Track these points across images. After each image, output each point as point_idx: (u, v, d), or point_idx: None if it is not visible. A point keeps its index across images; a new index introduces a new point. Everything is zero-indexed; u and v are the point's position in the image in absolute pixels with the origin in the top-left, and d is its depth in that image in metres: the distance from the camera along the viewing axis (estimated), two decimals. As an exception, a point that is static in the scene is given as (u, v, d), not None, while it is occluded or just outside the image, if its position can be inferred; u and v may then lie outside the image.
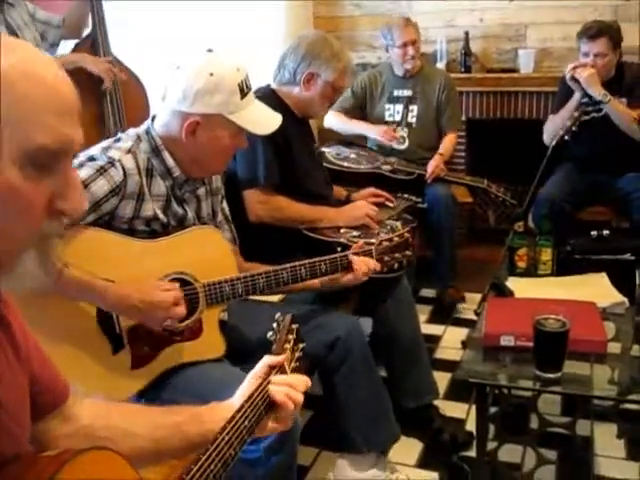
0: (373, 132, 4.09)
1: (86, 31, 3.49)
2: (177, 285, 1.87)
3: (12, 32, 3.10)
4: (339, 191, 3.16)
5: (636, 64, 3.90)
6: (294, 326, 1.56)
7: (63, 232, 0.96)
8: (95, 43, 3.40)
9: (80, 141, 0.94)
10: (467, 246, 4.37)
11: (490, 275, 2.66)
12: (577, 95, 3.65)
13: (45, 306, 1.67)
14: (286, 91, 2.81)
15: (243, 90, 1.93)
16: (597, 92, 3.56)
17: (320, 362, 2.30)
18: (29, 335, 1.12)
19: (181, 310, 1.85)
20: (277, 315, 1.57)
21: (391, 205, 3.21)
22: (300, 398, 1.38)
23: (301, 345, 1.56)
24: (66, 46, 3.50)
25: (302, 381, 1.41)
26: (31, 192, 0.86)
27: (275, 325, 1.55)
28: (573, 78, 3.60)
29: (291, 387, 1.37)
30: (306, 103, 2.81)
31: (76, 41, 3.50)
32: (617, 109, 3.58)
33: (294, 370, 1.48)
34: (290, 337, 1.53)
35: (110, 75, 3.30)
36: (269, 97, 2.68)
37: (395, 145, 4.09)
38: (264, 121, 2.05)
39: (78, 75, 3.07)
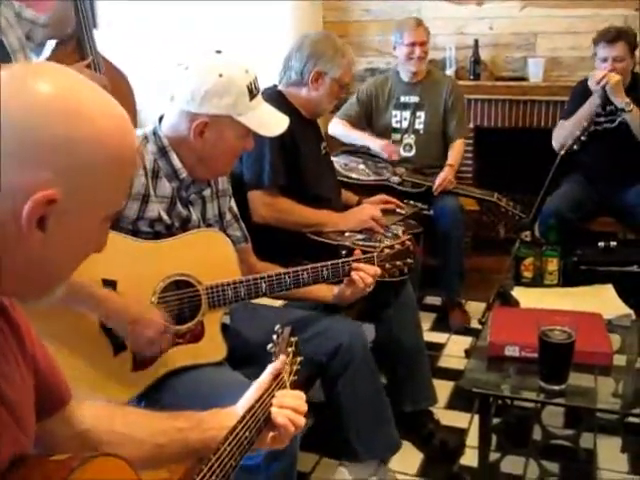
0: (376, 145, 4.01)
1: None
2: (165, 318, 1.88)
3: None
4: (351, 197, 3.14)
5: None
6: (293, 339, 1.57)
7: None
8: (81, 42, 3.33)
9: None
10: (473, 255, 4.34)
11: (495, 284, 2.65)
12: (595, 101, 3.61)
13: (47, 306, 1.66)
14: (293, 92, 2.80)
15: (252, 92, 1.93)
16: (621, 100, 3.55)
17: (323, 369, 2.29)
18: (35, 336, 1.12)
19: (165, 344, 1.86)
20: (276, 327, 1.56)
21: (402, 212, 3.19)
22: (302, 422, 1.39)
23: (299, 359, 1.57)
24: (49, 45, 3.41)
25: (303, 403, 1.42)
26: (97, 235, 1.00)
27: (275, 337, 1.55)
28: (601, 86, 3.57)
29: (294, 411, 1.38)
30: (315, 102, 2.81)
31: (56, 41, 3.40)
32: (637, 119, 3.56)
33: (292, 384, 1.48)
34: (289, 350, 1.54)
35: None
36: (276, 99, 2.68)
37: (402, 152, 4.07)
38: (272, 123, 2.05)
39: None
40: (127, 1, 4.23)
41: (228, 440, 1.23)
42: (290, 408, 1.37)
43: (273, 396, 1.38)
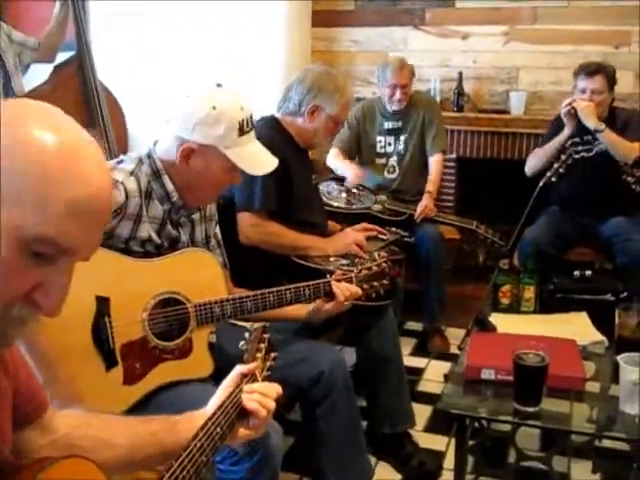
0: (349, 174, 4.09)
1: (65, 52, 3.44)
2: None
3: None
4: (334, 226, 3.21)
5: (627, 109, 4.00)
6: (265, 335, 1.60)
7: (29, 321, 0.93)
8: (83, 66, 3.35)
9: (93, 247, 0.94)
10: (453, 282, 4.40)
11: (474, 311, 2.71)
12: (566, 131, 3.74)
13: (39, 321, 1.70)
14: (289, 121, 2.87)
15: (243, 128, 1.97)
16: (593, 123, 3.65)
17: (303, 395, 2.33)
18: (15, 347, 1.14)
19: None
20: (248, 325, 1.62)
21: (384, 238, 3.26)
22: (272, 405, 1.42)
23: (273, 354, 1.60)
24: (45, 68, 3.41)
25: (274, 388, 1.45)
26: (17, 268, 0.86)
27: (247, 335, 1.59)
28: (569, 112, 3.69)
29: (263, 395, 1.41)
30: (309, 134, 2.87)
31: (56, 63, 3.42)
32: (611, 138, 3.65)
33: (265, 379, 1.51)
34: (262, 346, 1.57)
35: None
36: (272, 126, 2.76)
37: (386, 174, 4.20)
38: (258, 161, 2.07)
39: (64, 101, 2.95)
40: (120, 23, 4.28)
41: (199, 436, 1.25)
42: (258, 392, 1.41)
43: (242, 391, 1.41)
